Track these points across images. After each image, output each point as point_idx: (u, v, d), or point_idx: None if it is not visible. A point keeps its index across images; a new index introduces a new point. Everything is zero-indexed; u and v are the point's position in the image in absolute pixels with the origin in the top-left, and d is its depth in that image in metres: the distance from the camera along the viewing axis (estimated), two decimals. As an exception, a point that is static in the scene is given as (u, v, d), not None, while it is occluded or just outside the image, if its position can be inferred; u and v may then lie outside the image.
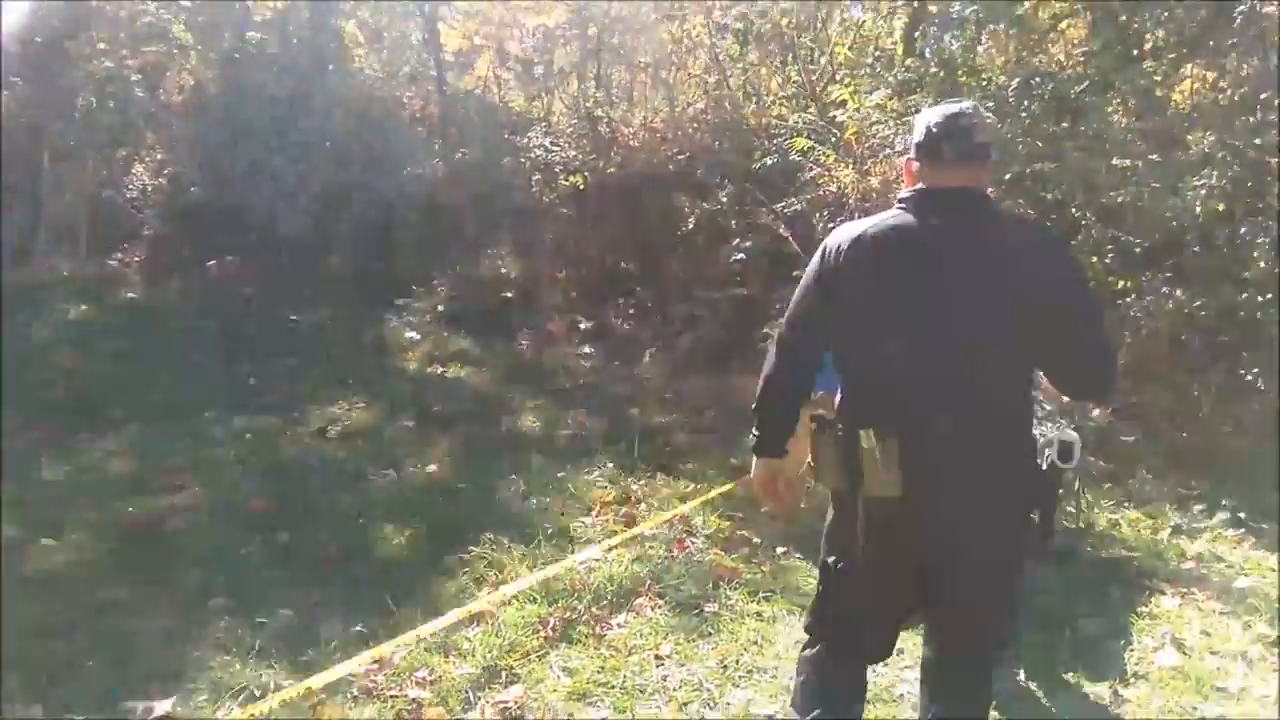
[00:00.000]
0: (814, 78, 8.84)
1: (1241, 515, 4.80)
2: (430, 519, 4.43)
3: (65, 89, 13.54)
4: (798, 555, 4.30)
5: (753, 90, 10.42)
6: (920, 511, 2.06)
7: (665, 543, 4.36)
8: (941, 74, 6.84)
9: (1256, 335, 5.83)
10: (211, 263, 10.81)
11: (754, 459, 2.39)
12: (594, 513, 4.71)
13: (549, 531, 4.32)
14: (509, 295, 9.29)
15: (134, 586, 3.53)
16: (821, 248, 2.19)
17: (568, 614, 3.58)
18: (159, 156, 13.39)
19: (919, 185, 2.15)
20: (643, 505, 4.88)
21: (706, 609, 3.74)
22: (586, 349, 8.37)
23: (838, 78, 8.07)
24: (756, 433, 2.35)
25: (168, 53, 14.57)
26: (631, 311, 9.19)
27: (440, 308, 9.10)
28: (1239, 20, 6.84)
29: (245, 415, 6.01)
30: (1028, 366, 2.18)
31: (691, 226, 9.49)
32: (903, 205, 2.14)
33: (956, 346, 2.03)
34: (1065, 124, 6.86)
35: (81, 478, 4.66)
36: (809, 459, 2.27)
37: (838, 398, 2.22)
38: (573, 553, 4.11)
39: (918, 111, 7.19)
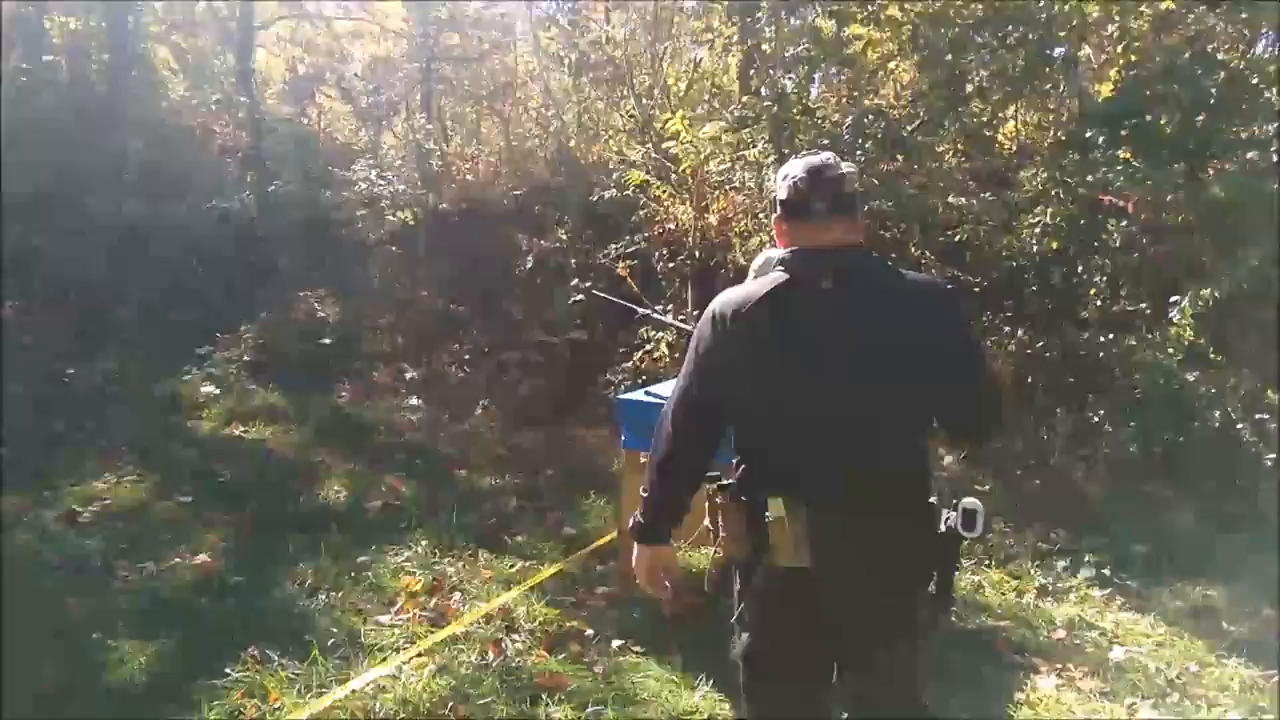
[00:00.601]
0: (651, 111, 8.49)
1: (1106, 572, 4.58)
2: (185, 629, 3.62)
3: None
4: (636, 649, 3.74)
5: (591, 124, 10.01)
6: (825, 581, 2.02)
7: (480, 643, 3.70)
8: (776, 108, 6.57)
9: (1099, 375, 5.74)
10: (-13, 308, 9.42)
11: (635, 545, 2.25)
12: (395, 609, 4.00)
13: (332, 641, 3.58)
14: (327, 341, 8.41)
15: None
16: (709, 319, 2.09)
17: (343, 758, 2.89)
18: (-67, 189, 11.75)
19: (794, 245, 2.08)
20: (457, 595, 4.19)
21: (525, 735, 3.13)
22: (414, 400, 7.61)
23: (673, 112, 7.73)
24: (644, 518, 2.20)
25: (-61, 73, 12.99)
26: (467, 357, 8.50)
27: (246, 357, 8.13)
28: (1059, 62, 6.91)
29: (-22, 497, 4.98)
30: (926, 423, 2.13)
31: (530, 266, 8.92)
32: (783, 267, 2.06)
33: (858, 411, 1.99)
34: (899, 161, 6.72)
35: None
36: (711, 529, 2.18)
37: (737, 467, 2.12)
38: (362, 668, 3.40)
39: (752, 145, 7.03)
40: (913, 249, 6.32)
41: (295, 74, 13.84)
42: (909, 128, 7.10)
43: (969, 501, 2.06)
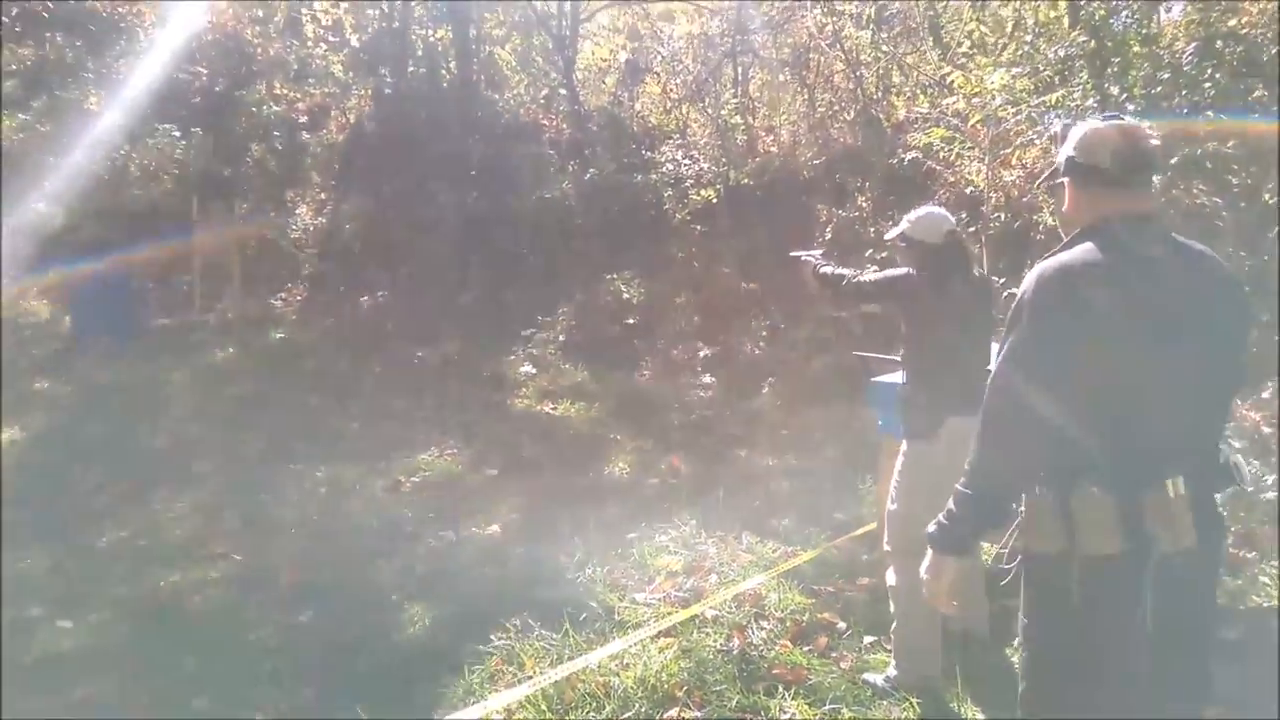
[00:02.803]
0: (960, 60, 7.86)
1: None
2: (467, 596, 4.00)
3: (238, 136, 14.46)
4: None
5: (894, 83, 9.49)
6: (1139, 566, 1.85)
7: (728, 628, 3.72)
8: (1110, 46, 5.78)
9: None
10: (364, 299, 11.02)
11: (938, 557, 2.06)
12: (652, 587, 4.13)
13: (588, 615, 3.77)
14: (632, 322, 8.83)
15: (123, 679, 3.30)
16: (1053, 288, 1.90)
17: (578, 730, 3.04)
18: (321, 196, 13.91)
19: (1101, 213, 1.98)
20: (714, 577, 4.24)
21: (752, 726, 3.10)
22: (707, 378, 7.77)
23: (973, 59, 7.08)
24: (962, 523, 2.00)
25: (331, 93, 15.29)
26: (764, 334, 8.50)
27: (561, 338, 8.77)
28: None
29: (331, 465, 5.86)
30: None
31: (829, 237, 8.70)
32: (1099, 235, 1.95)
33: (1206, 380, 1.95)
34: (1259, 93, 5.65)
35: (134, 543, 4.57)
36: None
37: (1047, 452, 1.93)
38: (610, 641, 3.55)
39: (1070, 89, 6.25)
40: (1266, 197, 5.28)
41: (614, 62, 14.57)
42: (1274, 49, 5.95)
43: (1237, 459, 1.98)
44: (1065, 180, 2.08)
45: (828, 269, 3.64)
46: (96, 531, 4.69)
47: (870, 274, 3.58)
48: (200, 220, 10.29)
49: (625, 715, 3.14)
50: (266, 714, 3.12)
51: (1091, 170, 2.00)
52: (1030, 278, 1.95)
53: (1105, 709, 1.96)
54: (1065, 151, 2.07)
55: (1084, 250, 1.93)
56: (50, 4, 13.04)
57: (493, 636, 3.60)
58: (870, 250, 7.65)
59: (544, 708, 3.13)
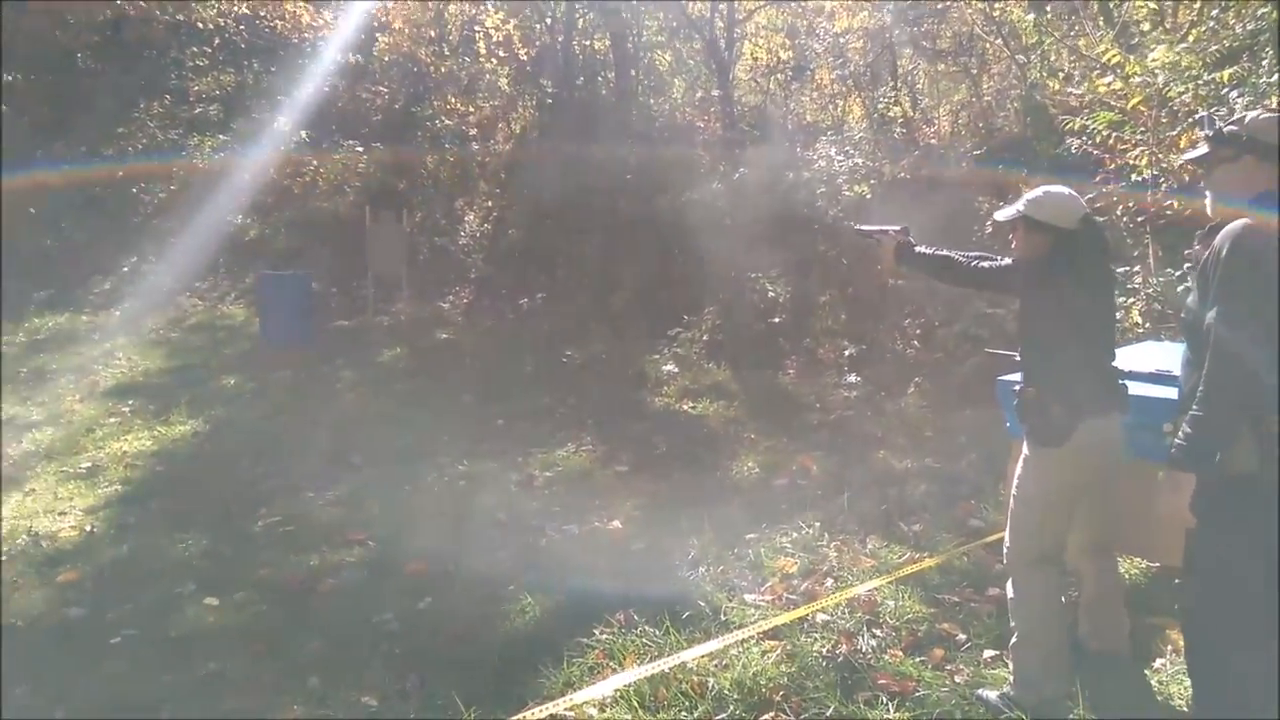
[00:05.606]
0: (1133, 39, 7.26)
1: None
2: (579, 589, 4.03)
3: (413, 149, 15.31)
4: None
5: (1061, 65, 8.89)
6: None
7: (837, 634, 3.59)
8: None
9: None
10: (523, 301, 11.42)
11: (1177, 475, 2.44)
12: (764, 588, 4.04)
13: (693, 614, 3.73)
14: (777, 320, 8.69)
15: (252, 658, 3.53)
16: (1265, 252, 2.31)
17: (665, 730, 3.02)
18: (488, 204, 14.52)
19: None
20: (830, 580, 4.10)
21: (848, 737, 2.98)
22: (852, 377, 7.54)
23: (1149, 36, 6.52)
24: (1199, 441, 2.38)
25: (498, 106, 15.94)
26: (919, 332, 8.17)
27: (705, 337, 8.75)
28: None
29: (474, 459, 6.09)
30: None
31: (989, 231, 8.25)
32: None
33: None
34: None
35: (283, 528, 4.90)
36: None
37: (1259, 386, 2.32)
38: (712, 640, 3.50)
39: (1257, 64, 5.63)
40: None
41: (771, 61, 14.41)
42: None
43: None
44: (1247, 156, 2.50)
45: (926, 249, 3.43)
46: (252, 517, 5.06)
47: (986, 259, 3.33)
48: (378, 228, 10.95)
49: (719, 717, 3.09)
50: (377, 696, 3.27)
51: (1270, 148, 2.45)
52: (1229, 238, 2.36)
53: None
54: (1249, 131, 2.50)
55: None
56: (246, 34, 14.22)
57: (595, 630, 3.63)
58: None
59: (635, 704, 3.12)
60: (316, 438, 6.67)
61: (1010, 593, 3.19)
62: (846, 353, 7.77)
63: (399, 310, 11.28)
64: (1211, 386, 2.35)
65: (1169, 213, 6.06)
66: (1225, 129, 2.57)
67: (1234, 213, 2.49)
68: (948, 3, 10.71)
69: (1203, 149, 2.67)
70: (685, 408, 7.30)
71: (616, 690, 3.15)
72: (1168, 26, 7.14)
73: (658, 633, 3.58)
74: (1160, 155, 5.36)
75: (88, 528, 5.00)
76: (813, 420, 6.71)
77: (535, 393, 7.88)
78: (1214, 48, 5.11)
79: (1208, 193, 2.70)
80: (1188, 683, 2.89)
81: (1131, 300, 6.20)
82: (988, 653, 3.46)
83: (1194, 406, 2.38)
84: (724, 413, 7.08)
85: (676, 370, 8.16)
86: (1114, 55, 5.17)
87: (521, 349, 9.46)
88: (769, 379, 7.76)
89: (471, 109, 15.68)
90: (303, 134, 14.07)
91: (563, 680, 3.34)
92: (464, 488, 5.58)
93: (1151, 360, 3.83)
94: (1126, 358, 3.87)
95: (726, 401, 7.36)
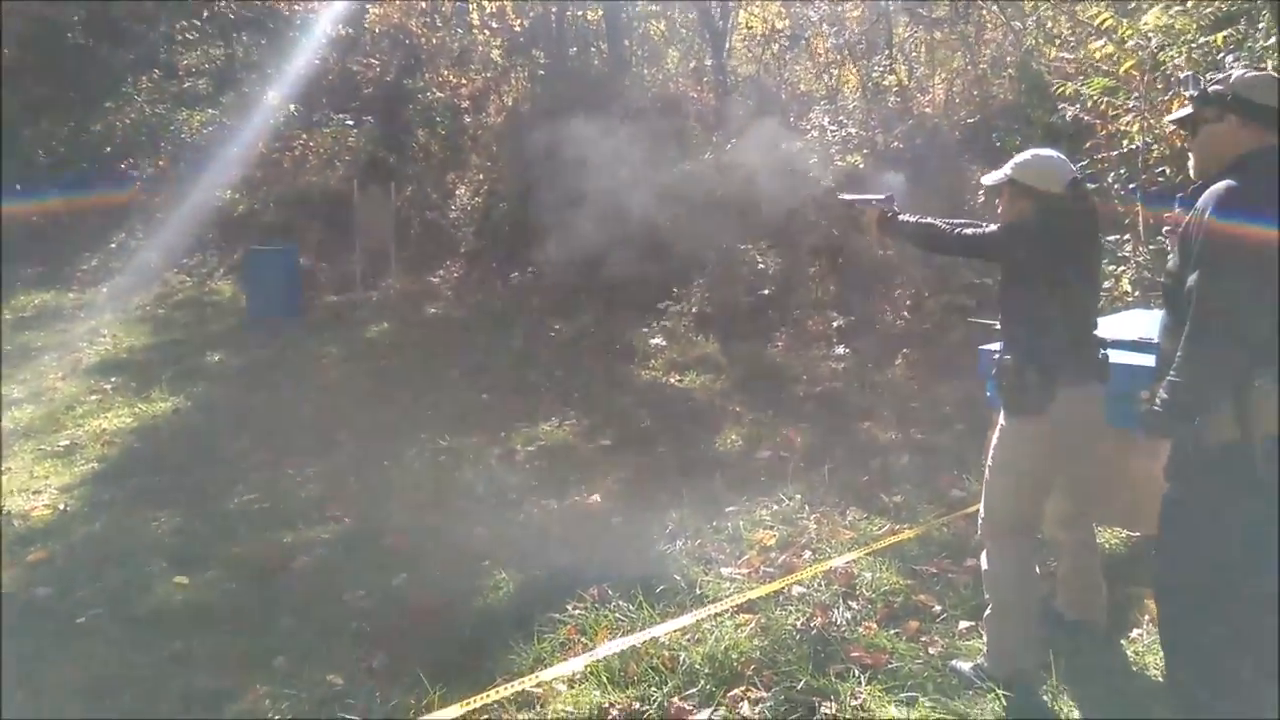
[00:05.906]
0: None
1: None
2: (555, 564, 3.98)
3: (405, 122, 15.14)
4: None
5: (1058, 29, 8.76)
6: None
7: (811, 606, 3.54)
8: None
9: None
10: (514, 274, 11.32)
11: (1154, 442, 2.53)
12: (740, 561, 3.99)
13: (667, 588, 3.67)
14: (766, 292, 8.60)
15: (219, 636, 3.48)
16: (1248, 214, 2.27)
17: (636, 704, 2.97)
18: (479, 177, 14.37)
19: (1253, 149, 2.40)
20: (808, 553, 4.05)
21: (821, 709, 2.93)
22: (840, 349, 7.46)
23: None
24: (1175, 407, 2.34)
25: (491, 77, 15.74)
26: (909, 303, 8.08)
27: (694, 310, 8.66)
28: None
29: (456, 434, 6.03)
30: None
31: (980, 202, 8.15)
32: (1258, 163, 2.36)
33: None
34: None
35: (259, 505, 4.85)
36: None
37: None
38: (686, 614, 3.45)
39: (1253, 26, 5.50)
40: None
41: (766, 30, 14.20)
42: None
43: None
44: (1231, 116, 2.43)
45: (910, 218, 3.35)
46: (229, 495, 5.01)
47: (971, 226, 3.23)
48: (366, 203, 10.84)
49: (688, 691, 3.05)
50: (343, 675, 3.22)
51: (1261, 109, 2.40)
52: (1212, 198, 2.31)
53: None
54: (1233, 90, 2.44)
55: (1255, 172, 2.32)
56: (235, 6, 14.04)
57: (569, 606, 3.58)
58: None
59: (605, 679, 3.07)
60: (299, 414, 6.61)
61: (984, 564, 3.14)
62: (835, 324, 7.68)
63: (388, 285, 11.19)
64: (1192, 351, 2.30)
65: (1161, 180, 5.96)
66: (1210, 88, 2.49)
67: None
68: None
69: (1187, 109, 2.59)
70: (672, 381, 7.24)
71: (586, 666, 3.10)
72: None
73: (631, 607, 3.53)
74: (1153, 121, 5.25)
75: (61, 506, 4.96)
76: (799, 392, 6.64)
77: (522, 367, 7.82)
78: (1208, 10, 4.96)
79: (1190, 154, 2.62)
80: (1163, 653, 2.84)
81: (1121, 269, 6.11)
82: (963, 624, 3.41)
83: (1172, 372, 2.34)
84: (711, 386, 7.02)
85: (665, 344, 8.09)
86: (1107, 19, 5.04)
87: (508, 323, 9.39)
88: (757, 351, 7.68)
89: (464, 81, 15.49)
90: (292, 107, 13.90)
91: (533, 656, 3.29)
92: (445, 463, 5.53)
93: (1136, 328, 3.76)
94: (1111, 326, 3.80)
95: (714, 374, 7.29)
